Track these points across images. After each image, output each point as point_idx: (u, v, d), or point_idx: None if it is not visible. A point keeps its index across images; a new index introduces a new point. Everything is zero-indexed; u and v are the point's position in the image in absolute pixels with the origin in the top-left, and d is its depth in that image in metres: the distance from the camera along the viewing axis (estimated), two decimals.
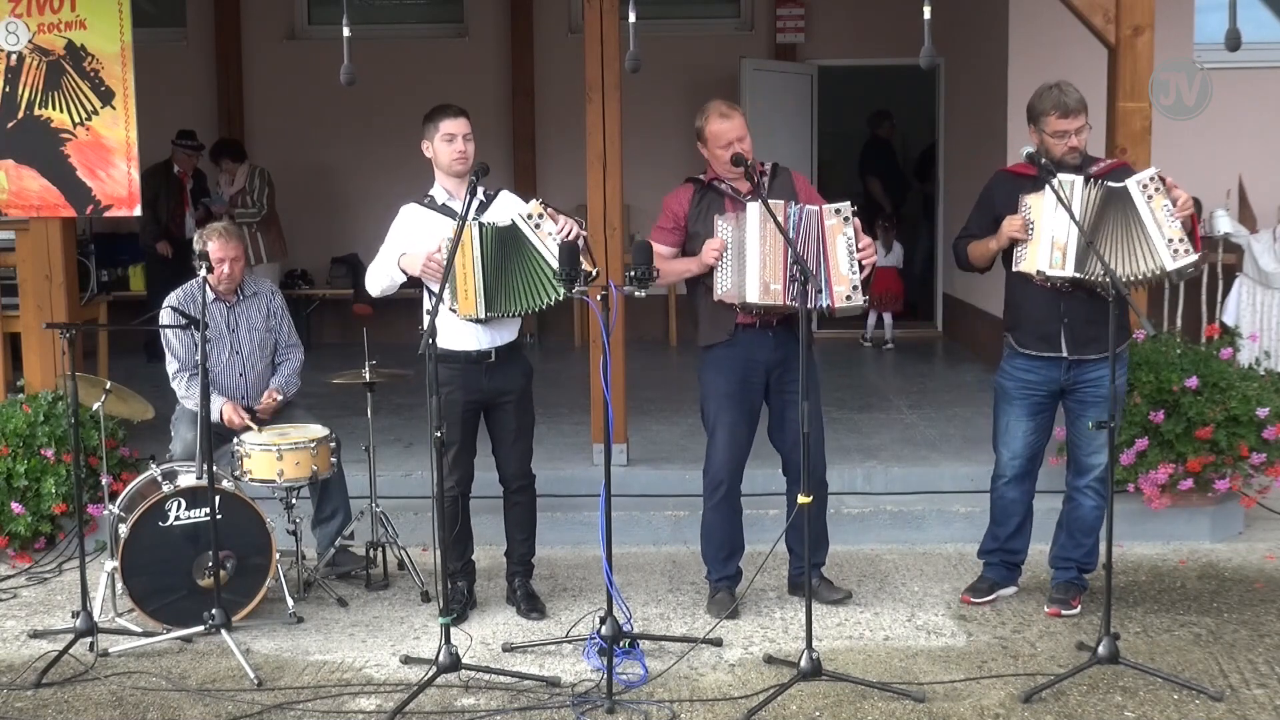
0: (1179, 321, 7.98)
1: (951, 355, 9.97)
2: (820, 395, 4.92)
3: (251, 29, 11.04)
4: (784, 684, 4.23)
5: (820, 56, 10.92)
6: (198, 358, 5.32)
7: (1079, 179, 4.69)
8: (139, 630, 4.88)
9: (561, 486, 5.29)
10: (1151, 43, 5.97)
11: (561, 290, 4.65)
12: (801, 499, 4.33)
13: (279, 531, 5.17)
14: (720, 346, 4.93)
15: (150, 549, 4.87)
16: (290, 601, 5.07)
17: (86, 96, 6.13)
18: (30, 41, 6.08)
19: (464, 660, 4.36)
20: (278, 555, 5.06)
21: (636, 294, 4.43)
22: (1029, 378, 4.93)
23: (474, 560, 5.20)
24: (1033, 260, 4.72)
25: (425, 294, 4.89)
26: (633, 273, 4.42)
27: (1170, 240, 4.64)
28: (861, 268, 4.73)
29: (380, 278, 4.95)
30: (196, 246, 5.39)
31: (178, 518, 4.91)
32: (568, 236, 4.68)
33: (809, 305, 4.53)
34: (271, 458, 5.10)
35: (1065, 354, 4.82)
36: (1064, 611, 4.97)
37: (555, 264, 4.65)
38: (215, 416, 5.41)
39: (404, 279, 4.89)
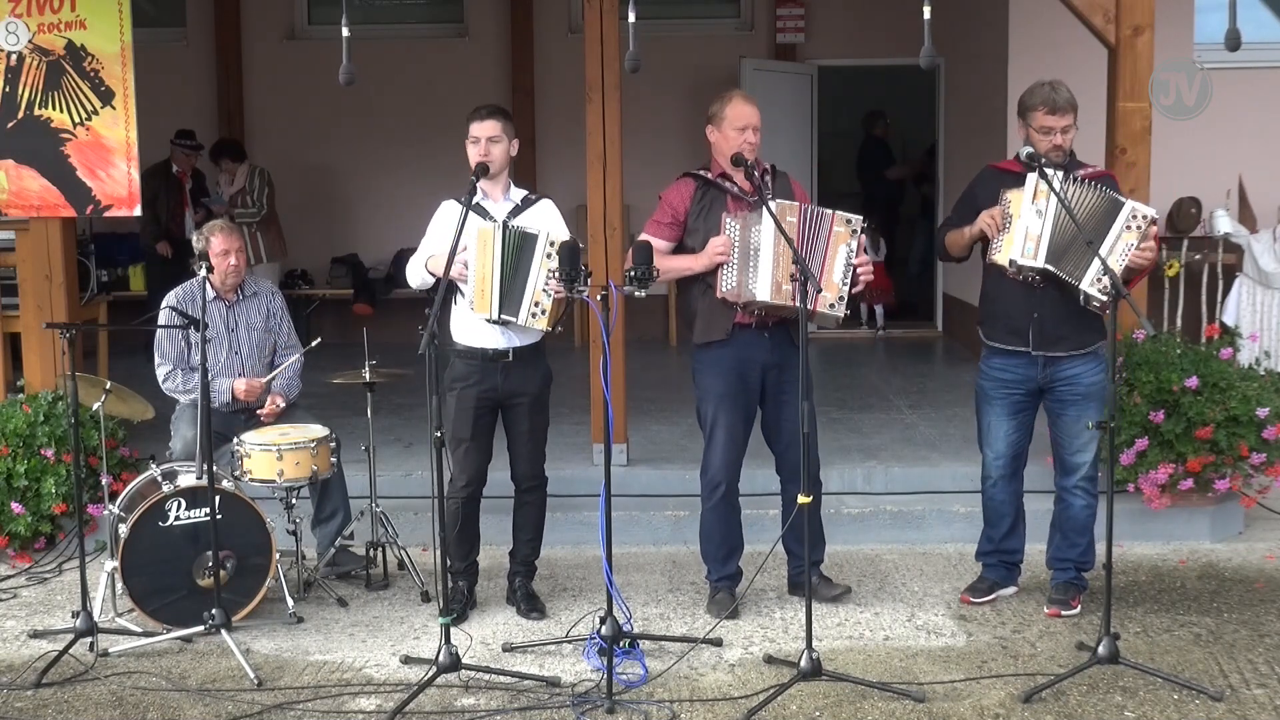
0: (1179, 321, 7.99)
1: (951, 355, 9.97)
2: (813, 395, 4.93)
3: (251, 29, 11.04)
4: (784, 684, 4.23)
5: (820, 56, 10.92)
6: (195, 357, 5.35)
7: (1060, 173, 4.71)
8: (139, 630, 4.88)
9: (561, 486, 5.29)
10: (1151, 43, 5.97)
11: (533, 324, 4.69)
12: (801, 499, 4.33)
13: (279, 531, 5.17)
14: (716, 346, 4.92)
15: (150, 549, 4.87)
16: (290, 601, 5.07)
17: (86, 96, 6.13)
18: (30, 41, 6.08)
19: (464, 660, 4.36)
20: (278, 555, 5.06)
21: (636, 294, 4.44)
22: (1005, 377, 4.97)
23: (477, 561, 5.20)
24: (1006, 251, 4.76)
25: (456, 295, 4.89)
26: (632, 273, 4.42)
27: (1101, 272, 4.54)
28: (854, 283, 4.75)
29: (414, 275, 4.99)
30: (197, 246, 5.40)
31: (178, 518, 4.91)
32: (557, 295, 4.66)
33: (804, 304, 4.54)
34: (271, 458, 5.10)
35: (1032, 349, 4.86)
36: (1064, 612, 4.97)
37: (533, 297, 4.65)
38: (227, 397, 5.42)
39: (434, 280, 4.88)
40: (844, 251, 4.72)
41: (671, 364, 9.75)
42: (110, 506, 5.14)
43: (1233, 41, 4.40)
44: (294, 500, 5.28)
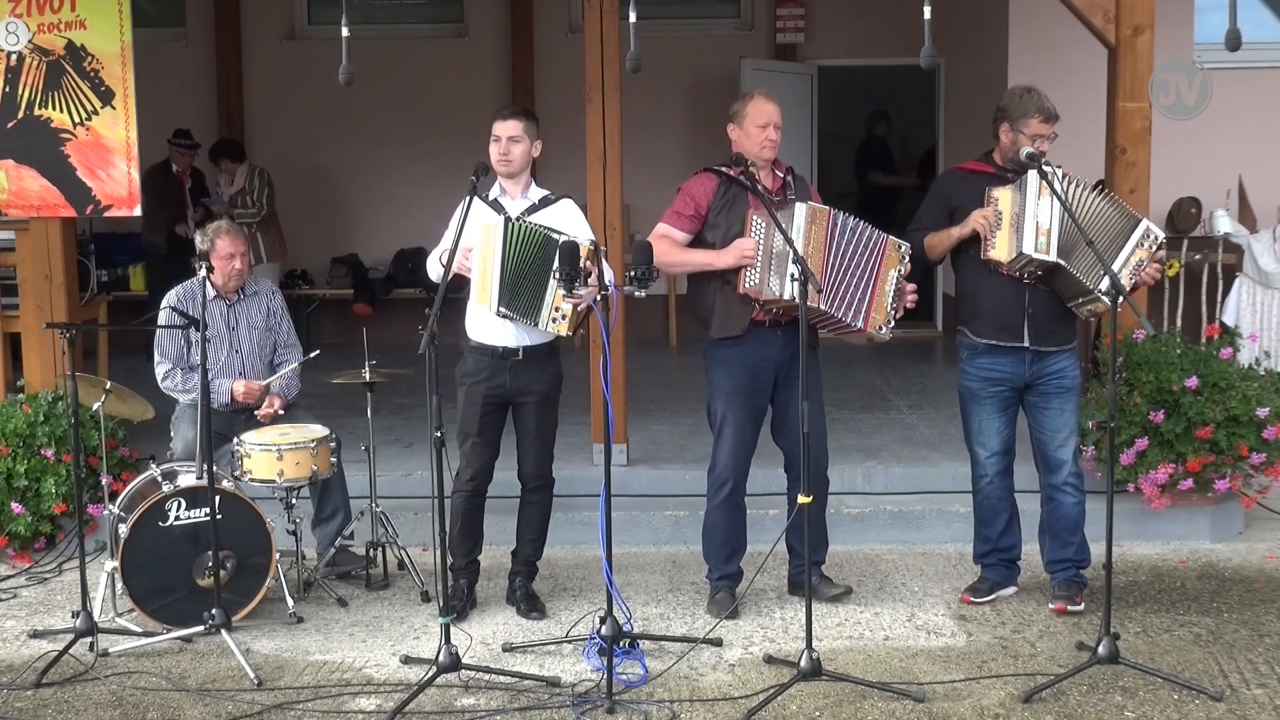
0: (1179, 321, 7.99)
1: (951, 355, 9.86)
2: (822, 394, 5.02)
3: (251, 29, 11.04)
4: (784, 684, 4.23)
5: (820, 56, 10.92)
6: (195, 357, 5.34)
7: (1060, 170, 4.79)
8: (139, 630, 4.88)
9: (561, 486, 5.29)
10: (1151, 43, 5.97)
11: (554, 329, 4.73)
12: (801, 499, 4.34)
13: (279, 531, 5.17)
14: (729, 344, 4.92)
15: (150, 549, 4.87)
16: (290, 601, 5.07)
17: (86, 96, 6.13)
18: (30, 41, 6.08)
19: (464, 660, 4.36)
20: (278, 555, 5.06)
21: (636, 294, 4.44)
22: (993, 375, 5.00)
23: (479, 560, 5.20)
24: (1003, 247, 4.81)
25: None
26: (633, 273, 4.42)
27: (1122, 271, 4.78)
28: (899, 307, 4.91)
29: (432, 268, 5.02)
30: (201, 246, 5.39)
31: (178, 518, 4.91)
32: (578, 305, 4.69)
33: (847, 323, 4.82)
34: (271, 458, 5.10)
35: (1028, 344, 4.90)
36: (1069, 607, 4.97)
37: (553, 302, 4.67)
38: (226, 397, 5.42)
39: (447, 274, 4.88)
40: (894, 277, 4.90)
41: (671, 364, 9.75)
42: (110, 506, 5.14)
43: (1233, 41, 4.41)
44: (294, 500, 5.28)
